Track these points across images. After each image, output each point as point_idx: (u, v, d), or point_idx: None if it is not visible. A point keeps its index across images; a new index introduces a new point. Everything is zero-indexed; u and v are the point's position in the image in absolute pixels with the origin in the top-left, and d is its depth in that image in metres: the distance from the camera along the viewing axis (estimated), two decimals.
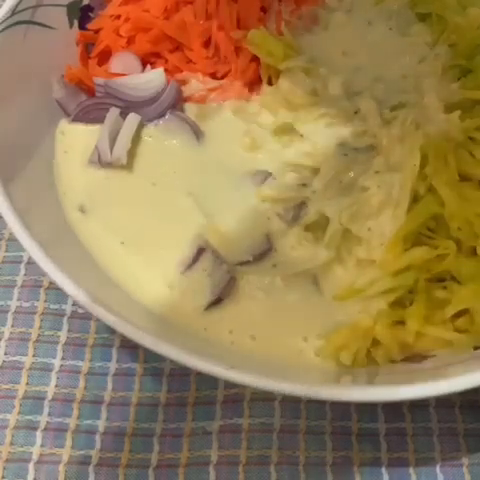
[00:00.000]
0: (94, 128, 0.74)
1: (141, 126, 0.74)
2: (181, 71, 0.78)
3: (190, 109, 0.76)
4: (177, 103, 0.76)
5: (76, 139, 0.74)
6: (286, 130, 0.71)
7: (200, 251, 0.66)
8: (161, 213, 0.69)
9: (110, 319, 0.55)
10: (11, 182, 0.64)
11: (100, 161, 0.72)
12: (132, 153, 0.73)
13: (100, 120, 0.74)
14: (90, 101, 0.77)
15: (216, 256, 0.65)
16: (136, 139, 0.73)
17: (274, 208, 0.68)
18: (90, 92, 0.78)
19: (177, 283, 0.65)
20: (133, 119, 0.74)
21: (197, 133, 0.74)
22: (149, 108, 0.75)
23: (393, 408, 0.64)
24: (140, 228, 0.68)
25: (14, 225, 0.60)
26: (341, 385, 0.57)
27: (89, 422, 0.64)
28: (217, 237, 0.66)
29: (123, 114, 0.74)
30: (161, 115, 0.75)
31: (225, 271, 0.64)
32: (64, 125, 0.75)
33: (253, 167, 0.70)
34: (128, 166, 0.72)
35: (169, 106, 0.75)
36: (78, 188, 0.71)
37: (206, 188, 0.70)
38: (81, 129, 0.75)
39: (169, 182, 0.71)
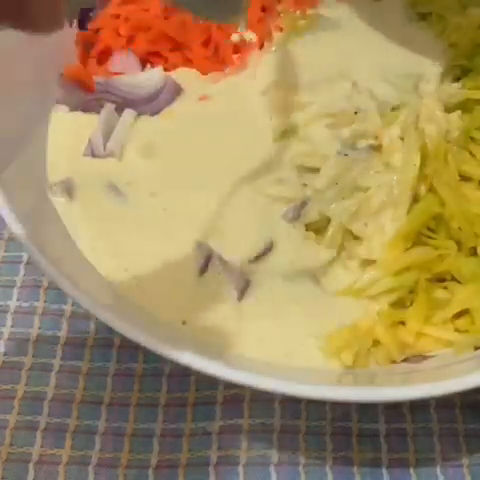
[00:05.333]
0: (90, 121, 0.74)
1: (137, 120, 0.74)
2: None
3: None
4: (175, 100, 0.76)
5: (71, 132, 0.74)
6: (287, 133, 0.72)
7: (207, 258, 0.64)
8: (159, 210, 0.69)
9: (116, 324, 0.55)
10: (6, 174, 0.65)
11: (93, 155, 0.72)
12: (127, 147, 0.72)
13: (97, 114, 0.74)
14: (88, 97, 0.77)
15: (223, 261, 0.64)
16: (131, 133, 0.73)
17: (275, 208, 0.67)
18: (89, 91, 0.78)
19: (192, 291, 0.64)
20: (129, 115, 0.74)
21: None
22: (148, 105, 0.75)
23: (393, 409, 0.64)
24: (136, 226, 0.68)
25: (14, 226, 0.60)
26: (341, 385, 0.57)
27: (89, 422, 0.64)
28: (219, 240, 0.66)
29: (119, 110, 0.74)
30: (159, 112, 0.75)
31: (239, 274, 0.64)
32: (60, 118, 0.75)
33: (253, 167, 0.70)
34: (123, 160, 0.72)
35: (168, 103, 0.75)
36: (72, 180, 0.70)
37: (205, 187, 0.70)
38: (77, 122, 0.75)
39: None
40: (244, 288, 0.63)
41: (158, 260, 0.65)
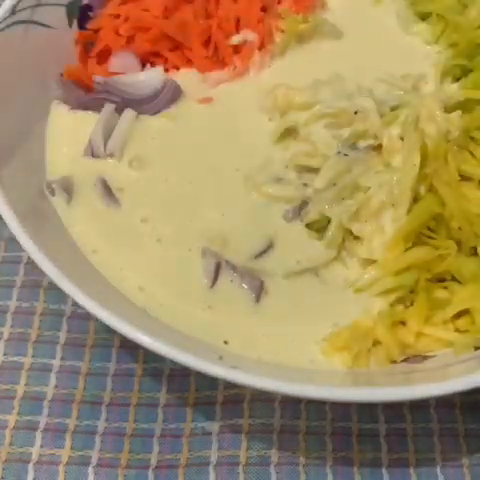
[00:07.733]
0: (90, 121, 0.74)
1: (137, 120, 0.74)
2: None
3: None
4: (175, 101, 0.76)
5: (71, 132, 0.74)
6: (287, 133, 0.72)
7: (217, 266, 0.64)
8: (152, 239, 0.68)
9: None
10: (5, 174, 0.65)
11: (93, 154, 0.72)
12: (127, 147, 0.73)
13: (97, 114, 0.74)
14: (88, 96, 0.77)
15: (231, 265, 0.64)
16: (131, 134, 0.73)
17: (275, 207, 0.68)
18: (89, 91, 0.78)
19: (210, 301, 0.63)
20: (129, 114, 0.74)
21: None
22: (148, 105, 0.75)
23: (393, 409, 0.64)
24: (139, 228, 0.68)
25: (13, 226, 0.60)
26: (341, 385, 0.57)
27: (89, 423, 0.64)
28: (222, 244, 0.65)
29: (119, 110, 0.74)
30: (159, 112, 0.75)
31: (250, 275, 0.64)
32: (60, 118, 0.75)
33: (253, 167, 0.70)
34: (122, 160, 0.72)
35: (167, 104, 0.75)
36: (71, 179, 0.70)
37: (206, 187, 0.70)
38: (77, 122, 0.75)
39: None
40: (259, 289, 0.63)
41: (165, 272, 0.65)
